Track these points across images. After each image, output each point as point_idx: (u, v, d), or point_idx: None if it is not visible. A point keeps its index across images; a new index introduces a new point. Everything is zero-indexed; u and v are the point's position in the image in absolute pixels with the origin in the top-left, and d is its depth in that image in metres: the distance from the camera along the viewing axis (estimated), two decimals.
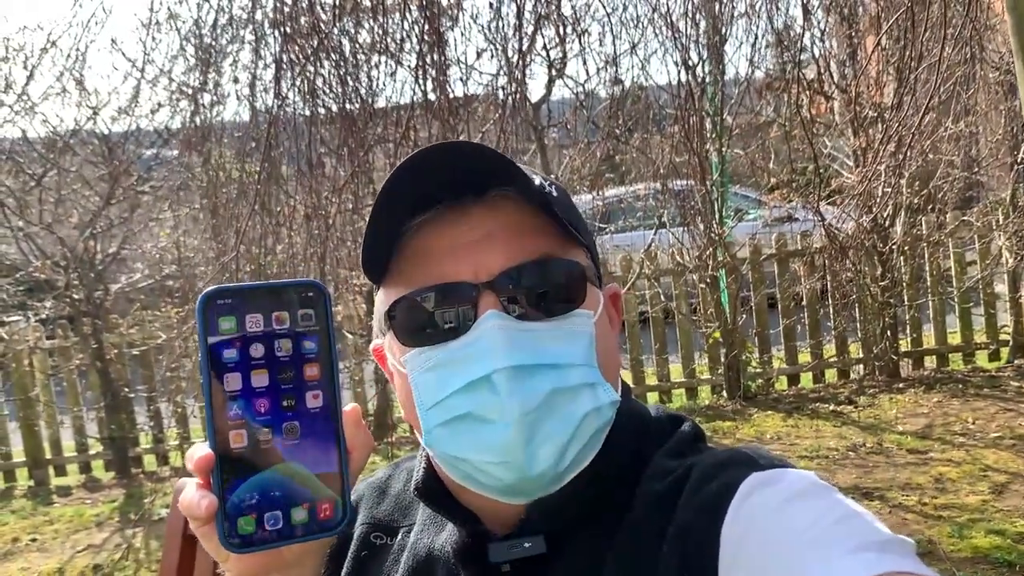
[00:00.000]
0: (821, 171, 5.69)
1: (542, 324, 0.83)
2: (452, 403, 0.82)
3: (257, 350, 0.68)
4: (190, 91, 5.02)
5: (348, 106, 4.20)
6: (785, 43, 5.69)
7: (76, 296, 6.50)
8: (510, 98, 4.43)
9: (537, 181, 0.87)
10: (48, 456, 6.67)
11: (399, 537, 0.97)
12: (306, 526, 0.69)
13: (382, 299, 0.90)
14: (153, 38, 7.27)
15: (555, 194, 0.88)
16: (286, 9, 4.01)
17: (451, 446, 0.84)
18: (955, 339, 6.70)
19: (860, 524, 0.71)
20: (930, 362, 6.70)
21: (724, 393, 6.60)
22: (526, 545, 0.83)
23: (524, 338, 0.81)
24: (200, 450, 0.68)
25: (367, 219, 0.84)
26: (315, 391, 0.70)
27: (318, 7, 4.20)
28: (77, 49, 6.93)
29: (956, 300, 6.59)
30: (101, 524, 5.60)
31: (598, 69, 5.88)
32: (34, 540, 5.45)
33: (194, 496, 0.68)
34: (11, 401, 6.62)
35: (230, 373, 0.67)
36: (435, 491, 0.91)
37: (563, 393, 0.81)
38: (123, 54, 9.15)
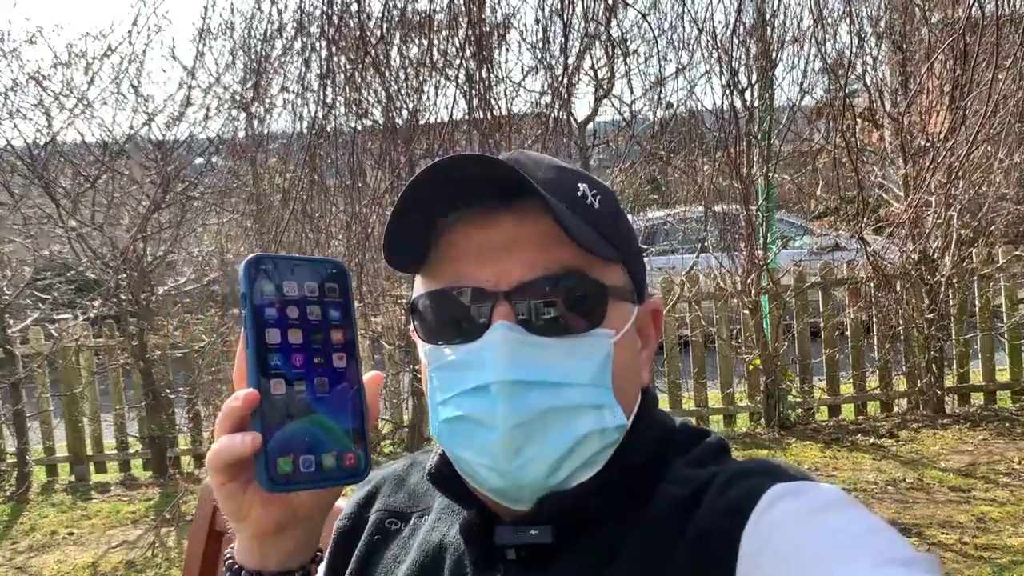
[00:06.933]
0: (867, 199, 5.60)
1: (553, 340, 0.83)
2: (455, 403, 0.84)
3: (293, 312, 0.75)
4: (241, 100, 5.13)
5: (393, 116, 4.25)
6: (837, 70, 5.64)
7: (124, 297, 6.64)
8: (554, 116, 4.45)
9: (580, 190, 0.87)
10: (89, 452, 6.81)
11: (411, 522, 0.99)
12: (335, 472, 0.75)
13: (416, 287, 0.92)
14: (208, 46, 7.42)
15: (596, 205, 0.88)
16: (335, 20, 4.08)
17: (452, 443, 0.86)
18: (1004, 376, 6.53)
19: (886, 539, 0.70)
20: (977, 399, 6.54)
21: (762, 421, 6.50)
22: (532, 532, 0.84)
23: (529, 353, 0.81)
24: (246, 390, 0.73)
25: (391, 211, 0.85)
26: (340, 353, 0.77)
27: (366, 19, 4.26)
28: (135, 55, 7.11)
29: (1006, 336, 6.43)
30: (136, 521, 5.69)
31: (645, 91, 5.89)
32: (71, 534, 5.56)
33: (235, 436, 0.72)
34: (57, 396, 6.78)
35: (271, 328, 0.74)
36: (448, 478, 0.92)
37: (560, 412, 0.81)
38: (179, 62, 9.36)
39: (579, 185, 0.88)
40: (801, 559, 0.70)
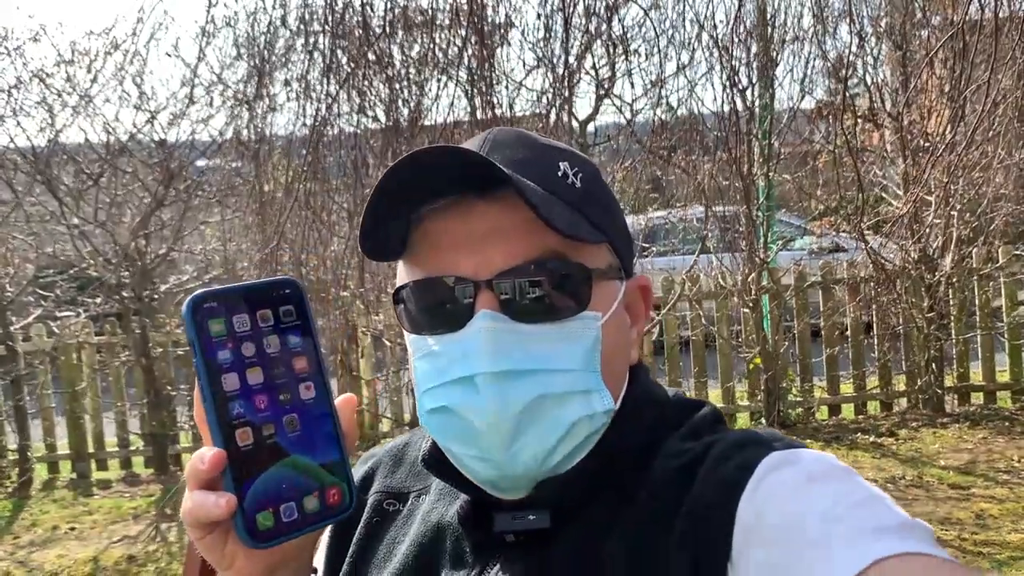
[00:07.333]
0: (867, 198, 5.61)
1: (537, 327, 0.81)
2: (439, 394, 0.83)
3: (248, 349, 0.69)
4: (244, 98, 5.15)
5: (395, 113, 4.27)
6: (838, 70, 5.66)
7: (126, 294, 6.65)
8: (554, 111, 4.46)
9: (561, 169, 0.86)
10: (91, 449, 6.82)
11: (409, 502, 0.98)
12: (319, 513, 0.70)
13: (399, 276, 0.90)
14: (208, 42, 7.44)
15: (578, 184, 0.86)
16: (338, 16, 4.10)
17: (438, 434, 0.85)
18: (1004, 376, 6.54)
19: (881, 507, 0.71)
20: (976, 398, 6.55)
21: (762, 420, 6.50)
22: (531, 518, 0.83)
23: (514, 341, 0.80)
24: (210, 451, 0.67)
25: (367, 200, 0.83)
26: (306, 383, 0.71)
27: (369, 15, 4.28)
28: (138, 54, 7.11)
29: (1006, 336, 6.44)
30: (138, 517, 5.71)
31: (646, 90, 5.90)
32: (73, 529, 5.57)
33: (207, 498, 0.67)
34: (59, 393, 6.79)
35: (227, 374, 0.68)
36: (442, 462, 0.90)
37: (550, 400, 0.80)
38: (182, 59, 9.37)
39: (559, 164, 0.86)
40: (798, 527, 0.70)
